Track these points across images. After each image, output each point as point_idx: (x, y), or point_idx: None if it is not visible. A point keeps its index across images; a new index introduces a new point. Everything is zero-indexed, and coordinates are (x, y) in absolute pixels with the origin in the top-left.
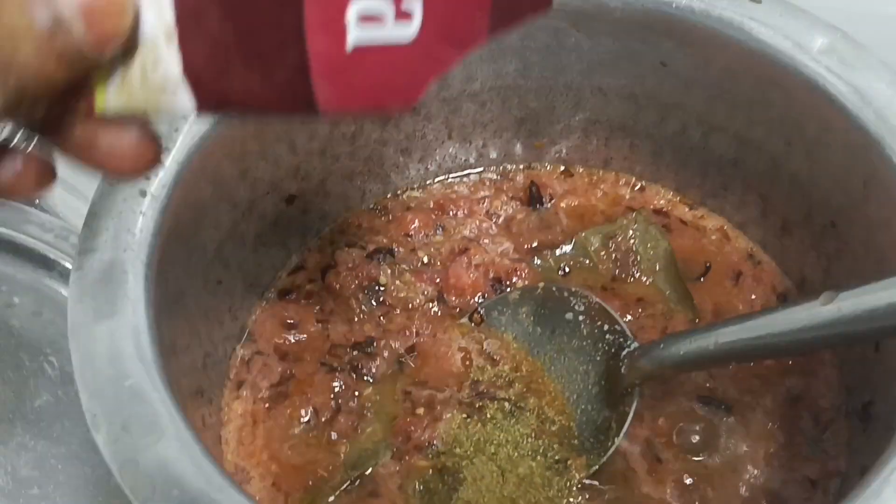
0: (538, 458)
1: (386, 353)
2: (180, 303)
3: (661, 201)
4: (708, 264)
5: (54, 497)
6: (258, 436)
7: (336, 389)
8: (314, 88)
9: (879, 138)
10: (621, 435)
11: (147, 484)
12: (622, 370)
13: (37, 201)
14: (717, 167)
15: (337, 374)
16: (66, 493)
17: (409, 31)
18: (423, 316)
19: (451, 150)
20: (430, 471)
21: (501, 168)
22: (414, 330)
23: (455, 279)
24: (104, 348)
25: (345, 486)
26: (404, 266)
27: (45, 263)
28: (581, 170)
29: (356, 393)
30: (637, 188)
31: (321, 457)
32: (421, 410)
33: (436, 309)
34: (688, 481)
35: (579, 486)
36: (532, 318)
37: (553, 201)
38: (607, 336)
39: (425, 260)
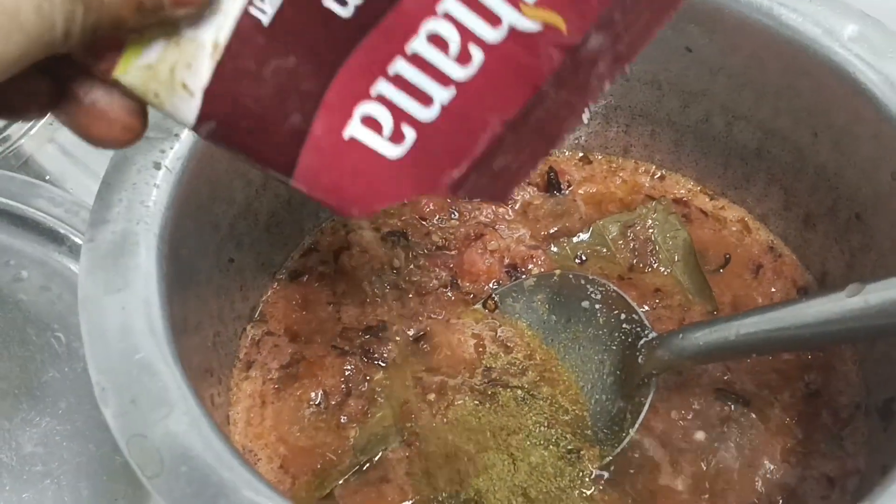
0: (550, 447)
1: (398, 338)
2: (192, 279)
3: (682, 191)
4: (728, 256)
5: (58, 474)
6: (266, 417)
7: (347, 373)
8: (300, 158)
9: None
10: (636, 426)
11: (155, 459)
12: (639, 360)
13: (47, 176)
14: (740, 157)
15: (348, 357)
16: (69, 470)
17: (395, 151)
18: (436, 301)
19: None
20: (440, 457)
21: None
22: (427, 315)
23: (469, 264)
24: (114, 321)
25: (353, 470)
26: (418, 250)
27: (54, 238)
28: (600, 157)
29: (367, 377)
30: (657, 177)
31: (330, 440)
32: (432, 396)
33: (449, 294)
34: (703, 475)
35: (592, 476)
36: (547, 306)
37: (571, 188)
38: (624, 325)
39: (440, 244)
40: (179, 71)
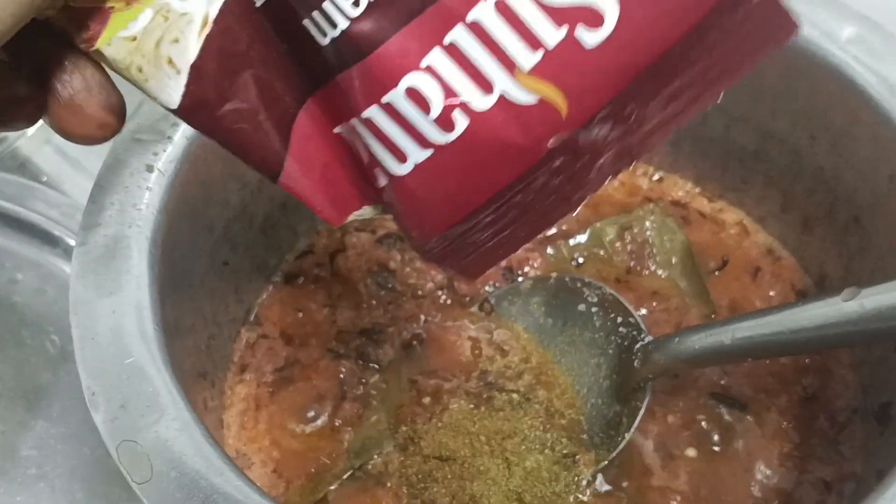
0: (546, 451)
1: (393, 341)
2: (185, 282)
3: (680, 193)
4: (726, 259)
5: (52, 478)
6: (260, 421)
7: (341, 376)
8: (288, 158)
9: None
10: (632, 430)
11: (144, 464)
12: (635, 364)
13: (44, 178)
14: (738, 159)
15: (343, 360)
16: (64, 473)
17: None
18: (432, 303)
19: None
20: (435, 461)
21: None
22: (423, 317)
23: None
24: (105, 325)
25: (348, 474)
26: (414, 252)
27: (49, 240)
28: None
29: (362, 380)
30: (655, 179)
31: (324, 444)
32: (427, 400)
33: (445, 297)
34: (699, 479)
35: (587, 481)
36: (543, 309)
37: None
38: (620, 329)
39: None
40: (165, 45)
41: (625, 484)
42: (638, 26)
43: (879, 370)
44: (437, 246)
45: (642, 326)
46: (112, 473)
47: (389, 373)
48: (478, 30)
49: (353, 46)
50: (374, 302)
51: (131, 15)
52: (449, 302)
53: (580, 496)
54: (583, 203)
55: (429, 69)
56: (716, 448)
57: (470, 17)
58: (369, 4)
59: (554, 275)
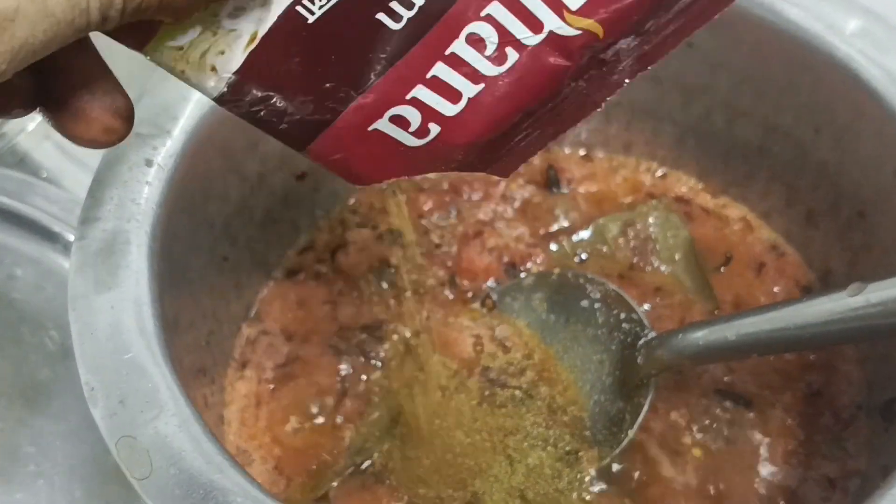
0: (548, 448)
1: (395, 337)
2: (185, 278)
3: (683, 188)
4: (729, 255)
5: (51, 475)
6: (261, 417)
7: (343, 373)
8: (316, 142)
9: None
10: (635, 427)
11: (144, 461)
12: (638, 360)
13: (44, 174)
14: (742, 154)
15: (344, 356)
16: (63, 471)
17: (417, 142)
18: (434, 300)
19: None
20: (437, 459)
21: None
22: (424, 314)
23: (468, 263)
24: (104, 320)
25: (349, 471)
26: (416, 248)
27: (48, 236)
28: (601, 154)
29: (363, 377)
30: (658, 174)
31: (325, 441)
32: (429, 396)
33: (447, 293)
34: (702, 476)
35: (590, 478)
36: (546, 305)
37: (571, 186)
38: (623, 325)
39: (438, 242)
40: (211, 56)
41: (628, 481)
42: None
43: (885, 366)
44: (477, 158)
45: (645, 322)
46: (111, 471)
47: (391, 369)
48: None
49: (427, 16)
50: (375, 298)
51: (181, 29)
52: (451, 298)
53: (583, 493)
54: (605, 102)
55: (488, 17)
56: (720, 445)
57: None
58: None
59: (557, 271)
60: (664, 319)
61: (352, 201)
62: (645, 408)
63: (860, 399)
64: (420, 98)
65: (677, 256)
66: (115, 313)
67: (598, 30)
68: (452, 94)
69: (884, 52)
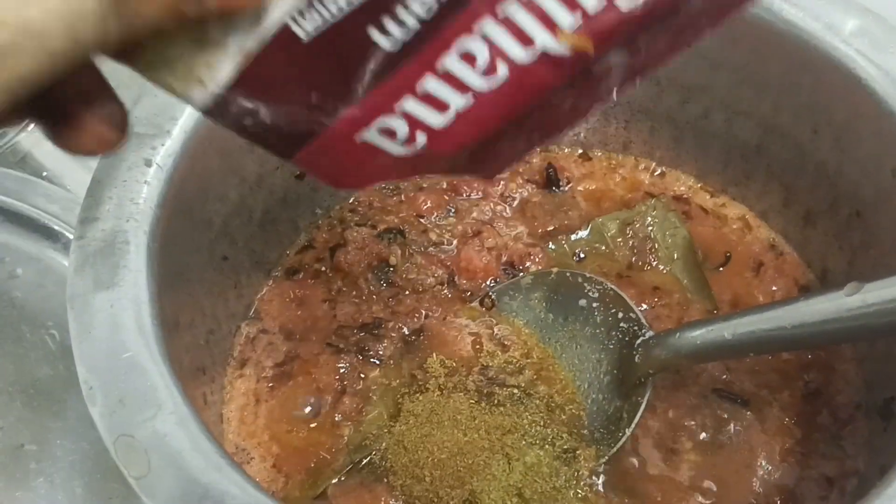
0: (546, 447)
1: (394, 336)
2: (184, 277)
3: (682, 188)
4: (728, 254)
5: (52, 472)
6: (260, 415)
7: (341, 371)
8: (303, 150)
9: None
10: (632, 426)
11: (142, 459)
12: (636, 359)
13: (44, 173)
14: (741, 154)
15: (343, 355)
16: (63, 468)
17: (404, 151)
18: (432, 298)
19: None
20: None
21: None
22: (423, 312)
23: (467, 262)
24: (103, 319)
25: (347, 469)
26: (415, 247)
27: (49, 235)
28: (600, 153)
29: (362, 375)
30: (657, 174)
31: (324, 439)
32: (427, 395)
33: (446, 292)
34: (700, 475)
35: (587, 476)
36: (544, 304)
37: (570, 185)
38: (621, 324)
39: (437, 242)
40: (198, 68)
41: (625, 479)
42: None
43: (883, 366)
44: (463, 163)
45: (643, 322)
46: (111, 468)
47: (389, 368)
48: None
49: (420, 35)
50: (374, 297)
51: (167, 44)
52: (450, 297)
53: (580, 491)
54: (590, 112)
55: (482, 34)
56: (717, 444)
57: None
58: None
59: (555, 270)
60: (662, 318)
61: (351, 200)
62: (642, 406)
63: (858, 398)
64: (408, 110)
65: (676, 255)
66: (114, 313)
67: (589, 47)
68: (440, 106)
69: (882, 52)
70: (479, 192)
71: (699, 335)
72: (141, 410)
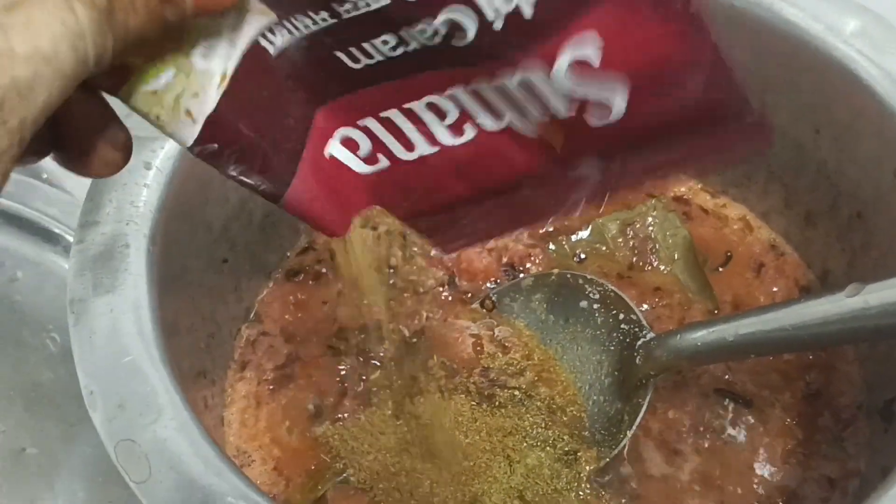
0: (547, 448)
1: (394, 338)
2: (184, 280)
3: (682, 188)
4: (729, 254)
5: (53, 477)
6: (261, 418)
7: (342, 373)
8: (294, 179)
9: None
10: (634, 427)
11: (143, 464)
12: (637, 361)
13: (45, 175)
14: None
15: (343, 357)
16: (65, 472)
17: (366, 168)
18: (433, 300)
19: None
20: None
21: None
22: (424, 314)
23: (467, 264)
24: (103, 324)
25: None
26: (415, 249)
27: (49, 238)
28: None
29: (363, 377)
30: None
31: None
32: (428, 396)
33: (447, 293)
34: (702, 477)
35: (588, 478)
36: (545, 306)
37: None
38: (622, 325)
39: None
40: (185, 99)
41: (627, 481)
42: (640, 120)
43: (884, 367)
44: (421, 219)
45: (644, 323)
46: (112, 473)
47: (390, 370)
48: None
49: (386, 69)
50: (374, 298)
51: (154, 73)
52: (450, 299)
53: (582, 493)
54: (550, 220)
55: (452, 97)
56: (719, 445)
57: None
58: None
59: (555, 271)
60: (663, 319)
61: None
62: (644, 408)
63: (860, 399)
64: (370, 128)
65: (676, 256)
66: (114, 317)
67: (557, 140)
68: (405, 142)
69: (883, 53)
70: None
71: (700, 337)
72: (142, 415)
